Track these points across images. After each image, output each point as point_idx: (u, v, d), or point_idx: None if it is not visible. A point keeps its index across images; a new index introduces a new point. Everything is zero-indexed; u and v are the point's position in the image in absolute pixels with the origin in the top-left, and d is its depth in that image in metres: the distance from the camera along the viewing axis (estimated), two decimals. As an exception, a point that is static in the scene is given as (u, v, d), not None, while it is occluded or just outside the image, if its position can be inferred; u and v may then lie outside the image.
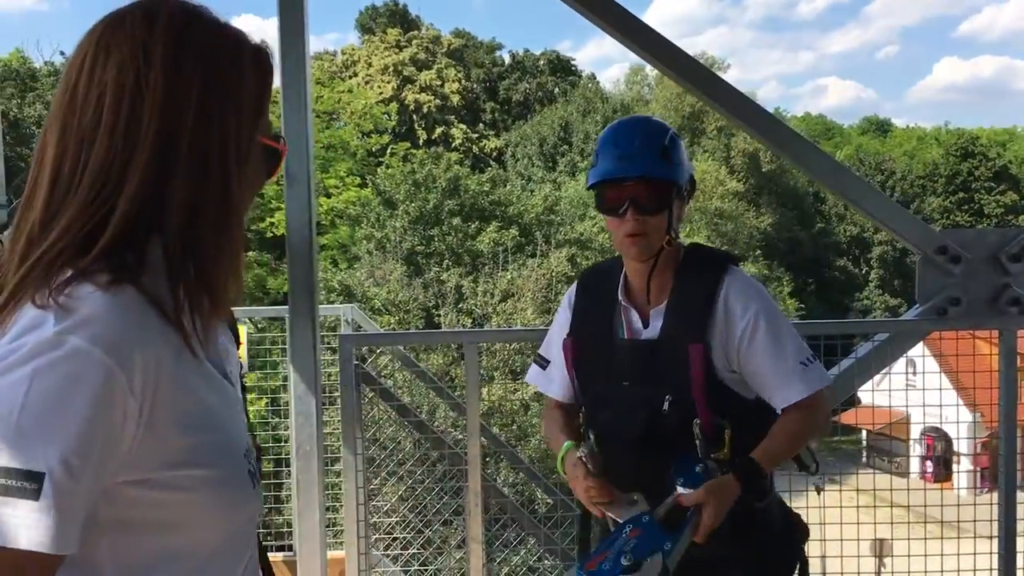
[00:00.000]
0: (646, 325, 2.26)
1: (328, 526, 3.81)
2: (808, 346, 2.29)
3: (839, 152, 50.29)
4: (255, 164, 1.15)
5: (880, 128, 67.54)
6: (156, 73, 1.03)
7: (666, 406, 2.15)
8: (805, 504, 3.57)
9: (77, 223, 1.00)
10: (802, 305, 38.90)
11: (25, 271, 0.99)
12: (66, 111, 1.04)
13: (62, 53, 27.89)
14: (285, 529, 6.49)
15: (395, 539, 4.39)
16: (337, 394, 4.72)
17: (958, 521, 4.02)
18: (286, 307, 3.55)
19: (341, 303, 13.84)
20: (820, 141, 57.71)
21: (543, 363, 2.50)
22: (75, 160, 1.02)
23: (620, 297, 2.31)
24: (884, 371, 3.68)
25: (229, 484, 1.06)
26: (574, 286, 2.49)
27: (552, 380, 2.48)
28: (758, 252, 39.94)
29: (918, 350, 3.85)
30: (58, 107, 1.06)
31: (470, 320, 22.75)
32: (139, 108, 1.02)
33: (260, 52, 1.15)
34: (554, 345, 2.45)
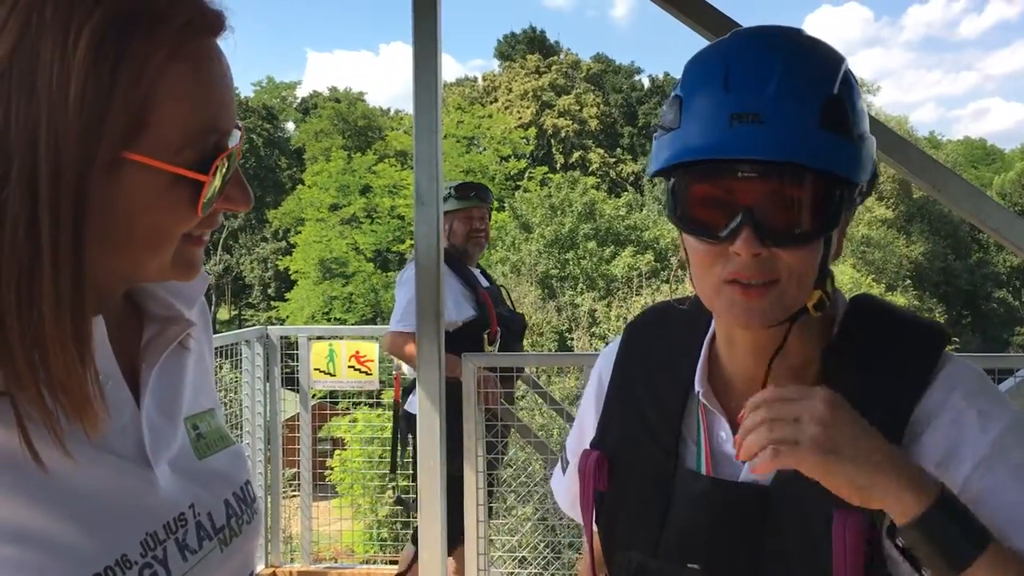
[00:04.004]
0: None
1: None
2: None
3: (998, 177, 47.53)
4: (140, 197, 0.78)
5: (1046, 153, 63.42)
6: None
7: None
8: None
9: None
10: (956, 339, 36.93)
11: None
12: None
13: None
14: (390, 543, 6.71)
15: (513, 557, 4.42)
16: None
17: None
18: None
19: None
20: (979, 166, 55.04)
21: (565, 464, 1.41)
22: None
23: (699, 388, 1.17)
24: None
25: None
26: (614, 345, 1.33)
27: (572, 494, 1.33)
28: (908, 282, 38.26)
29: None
30: None
31: (603, 344, 22.68)
32: None
33: (113, 28, 0.74)
34: (576, 442, 1.35)
